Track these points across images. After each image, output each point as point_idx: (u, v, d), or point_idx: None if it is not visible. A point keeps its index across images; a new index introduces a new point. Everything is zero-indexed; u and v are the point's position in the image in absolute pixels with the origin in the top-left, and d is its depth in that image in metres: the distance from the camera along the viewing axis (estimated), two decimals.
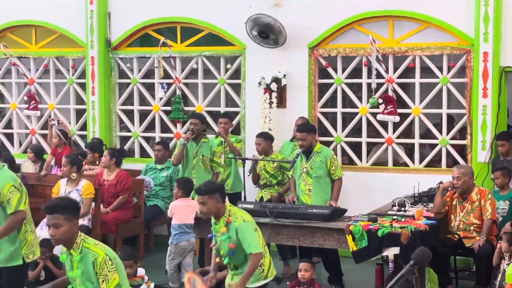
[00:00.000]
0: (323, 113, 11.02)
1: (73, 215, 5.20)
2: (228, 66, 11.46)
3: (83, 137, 12.20)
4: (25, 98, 12.47)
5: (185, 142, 9.83)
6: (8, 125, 13.00)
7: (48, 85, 12.58)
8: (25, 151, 12.38)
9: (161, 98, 11.83)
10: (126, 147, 12.03)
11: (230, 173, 10.52)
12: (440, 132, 10.42)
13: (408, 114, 10.55)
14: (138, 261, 8.10)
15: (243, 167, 9.89)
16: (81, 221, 9.45)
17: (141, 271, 8.30)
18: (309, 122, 10.02)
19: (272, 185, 9.91)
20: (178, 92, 11.62)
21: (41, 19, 12.24)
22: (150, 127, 12.08)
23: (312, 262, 8.08)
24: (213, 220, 6.59)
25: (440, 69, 10.31)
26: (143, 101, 12.15)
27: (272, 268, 6.78)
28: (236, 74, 11.43)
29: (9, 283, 7.22)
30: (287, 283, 8.05)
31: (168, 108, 11.68)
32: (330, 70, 10.87)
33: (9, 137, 12.93)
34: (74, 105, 12.48)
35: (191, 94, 11.79)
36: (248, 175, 9.95)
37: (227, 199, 6.87)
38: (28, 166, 11.50)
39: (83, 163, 10.25)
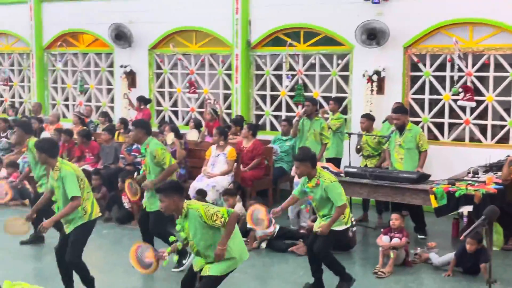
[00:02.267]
0: (414, 99, 10.76)
1: (173, 194, 5.29)
2: (339, 61, 11.34)
3: (229, 114, 12.42)
4: (187, 84, 12.79)
5: (298, 119, 9.89)
6: (175, 104, 13.39)
7: (203, 75, 12.84)
8: (187, 123, 12.75)
9: (287, 86, 11.89)
10: (260, 122, 12.17)
11: (334, 143, 10.42)
12: (509, 115, 10.01)
13: (483, 101, 10.16)
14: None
15: (349, 139, 9.80)
16: (226, 177, 9.73)
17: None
18: (403, 105, 9.82)
19: (374, 156, 9.78)
20: (300, 81, 11.63)
21: (199, 25, 12.49)
22: (278, 108, 12.15)
23: (402, 214, 7.97)
24: (306, 180, 6.56)
25: (511, 65, 9.91)
26: (271, 88, 12.21)
27: (350, 217, 6.77)
28: (345, 68, 11.29)
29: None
30: (381, 230, 7.97)
31: (292, 93, 11.71)
32: (420, 65, 10.60)
33: (175, 113, 13.35)
34: (222, 90, 12.70)
35: (310, 83, 11.76)
36: (357, 147, 9.92)
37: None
38: (193, 135, 11.83)
39: (228, 133, 10.44)
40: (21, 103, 15.35)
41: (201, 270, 5.42)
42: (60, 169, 6.11)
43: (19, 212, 9.92)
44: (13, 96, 15.51)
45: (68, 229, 6.21)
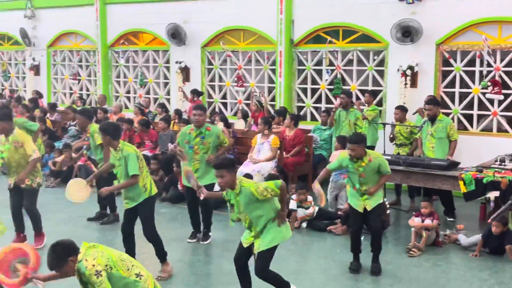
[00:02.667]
0: (445, 92, 10.55)
1: (233, 169, 5.28)
2: (375, 57, 11.20)
3: (273, 106, 12.41)
4: (235, 78, 12.83)
5: (334, 110, 9.82)
6: (224, 97, 13.47)
7: (250, 70, 12.84)
8: (235, 114, 12.82)
9: (326, 80, 11.80)
10: (301, 113, 12.13)
11: (370, 133, 10.25)
12: None
13: (510, 94, 9.89)
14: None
15: (383, 129, 9.68)
16: (270, 163, 9.75)
17: (309, 198, 8.45)
18: (435, 98, 9.64)
19: (406, 144, 9.65)
20: (339, 76, 11.53)
21: (247, 25, 12.50)
22: (318, 100, 12.06)
23: (430, 200, 7.88)
24: (347, 159, 6.52)
25: None
26: (312, 82, 12.14)
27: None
28: (381, 63, 11.14)
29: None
30: (413, 213, 7.88)
31: (331, 87, 11.63)
32: (451, 60, 10.37)
33: (225, 105, 13.40)
34: (267, 84, 12.70)
35: (347, 77, 11.65)
36: (391, 137, 9.80)
37: None
38: (240, 124, 11.87)
39: (272, 123, 10.45)
40: (88, 95, 15.69)
41: (249, 247, 5.44)
42: (122, 149, 6.23)
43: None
44: (81, 89, 15.86)
45: (128, 204, 6.35)
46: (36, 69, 16.09)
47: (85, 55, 15.56)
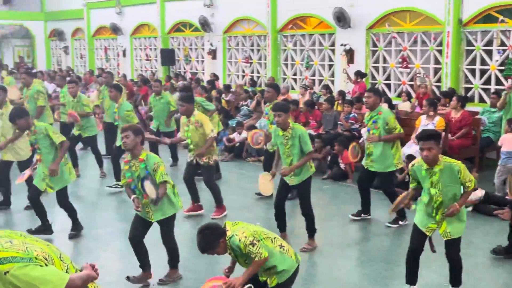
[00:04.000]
0: None
1: (439, 141, 4.83)
2: None
3: (438, 87, 11.88)
4: (400, 60, 12.47)
5: (506, 92, 9.10)
6: (388, 78, 13.18)
7: (415, 51, 12.40)
8: (399, 95, 12.48)
9: (497, 60, 10.98)
10: (468, 95, 11.46)
11: None
12: None
13: None
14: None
15: None
16: None
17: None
18: None
19: None
20: (510, 56, 10.65)
21: (413, 5, 12.05)
22: (487, 81, 11.30)
23: None
24: None
25: None
26: (481, 62, 11.37)
27: None
28: None
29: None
30: None
31: (502, 67, 10.80)
32: None
33: (388, 86, 13.12)
34: (432, 65, 12.16)
35: None
36: None
37: None
38: (404, 106, 11.55)
39: (438, 105, 10.01)
40: (258, 77, 16.28)
41: (428, 236, 5.03)
42: (293, 128, 6.23)
43: (255, 167, 10.67)
44: (252, 72, 16.51)
45: (293, 181, 6.39)
46: (213, 54, 17.05)
47: (256, 40, 16.13)
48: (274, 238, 4.38)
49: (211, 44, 17.01)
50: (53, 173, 6.75)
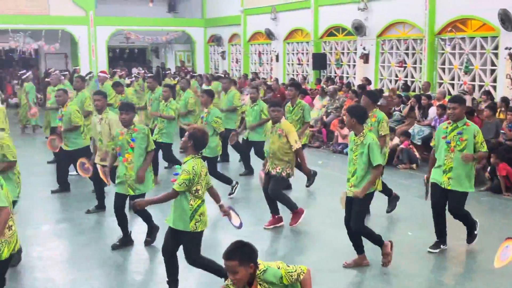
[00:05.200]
0: None
1: None
2: None
3: None
4: None
5: None
6: None
7: None
8: None
9: None
10: None
11: None
12: None
13: None
14: None
15: None
16: None
17: None
18: None
19: None
20: None
21: None
22: None
23: None
24: None
25: None
26: None
27: None
28: None
29: None
30: None
31: None
32: None
33: None
34: None
35: None
36: None
37: None
38: None
39: None
40: (412, 82, 15.83)
41: None
42: (365, 136, 5.88)
43: (407, 175, 10.38)
44: (406, 76, 16.08)
45: (350, 193, 5.94)
46: (365, 58, 16.90)
47: (411, 43, 15.69)
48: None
49: (364, 48, 16.88)
50: (141, 179, 6.64)
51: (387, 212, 7.96)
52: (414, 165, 11.08)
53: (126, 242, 6.91)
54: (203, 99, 9.18)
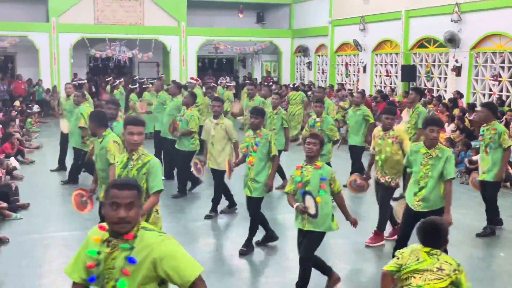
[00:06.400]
0: None
1: None
2: None
3: None
4: None
5: None
6: None
7: None
8: None
9: None
10: None
11: None
12: None
13: None
14: None
15: None
16: None
17: None
18: None
19: None
20: None
21: None
22: None
23: None
24: None
25: None
26: None
27: None
28: None
29: None
30: None
31: None
32: None
33: None
34: None
35: None
36: None
37: None
38: None
39: None
40: (507, 97, 15.19)
41: None
42: (441, 149, 5.77)
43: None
44: (501, 90, 15.46)
45: (419, 207, 5.78)
46: (457, 70, 16.42)
47: (508, 56, 15.10)
48: None
49: (456, 61, 16.41)
50: (270, 188, 6.77)
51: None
52: (508, 183, 10.62)
53: (271, 237, 7.16)
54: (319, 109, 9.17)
